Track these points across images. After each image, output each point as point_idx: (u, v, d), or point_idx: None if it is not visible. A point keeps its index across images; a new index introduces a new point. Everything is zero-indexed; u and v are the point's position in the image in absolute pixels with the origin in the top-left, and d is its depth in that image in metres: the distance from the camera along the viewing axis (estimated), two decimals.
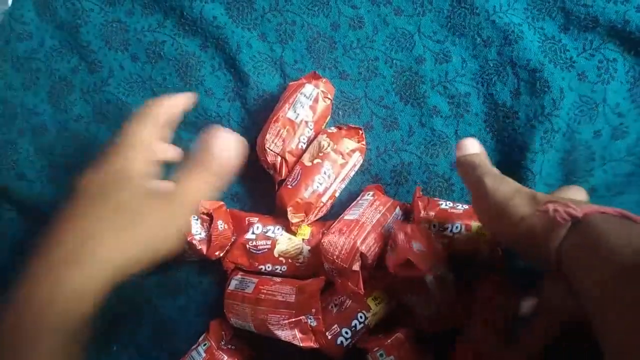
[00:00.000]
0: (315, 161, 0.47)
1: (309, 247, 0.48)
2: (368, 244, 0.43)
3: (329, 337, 0.44)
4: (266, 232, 0.48)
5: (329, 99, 0.49)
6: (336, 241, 0.44)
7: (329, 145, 0.47)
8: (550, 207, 0.32)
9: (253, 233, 0.48)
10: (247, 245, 0.48)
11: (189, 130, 0.53)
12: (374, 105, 0.52)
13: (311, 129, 0.49)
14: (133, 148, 0.38)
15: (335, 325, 0.44)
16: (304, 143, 0.49)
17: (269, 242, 0.48)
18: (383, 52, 0.52)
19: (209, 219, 0.48)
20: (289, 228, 0.48)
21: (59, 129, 0.54)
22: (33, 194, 0.53)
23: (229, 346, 0.48)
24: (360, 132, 0.49)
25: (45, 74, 0.55)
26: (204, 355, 0.47)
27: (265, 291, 0.46)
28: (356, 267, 0.42)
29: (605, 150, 0.48)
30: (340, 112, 0.52)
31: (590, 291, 0.28)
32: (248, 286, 0.47)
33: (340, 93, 0.52)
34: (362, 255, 0.43)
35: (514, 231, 0.33)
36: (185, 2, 0.53)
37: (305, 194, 0.46)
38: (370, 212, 0.46)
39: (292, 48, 0.53)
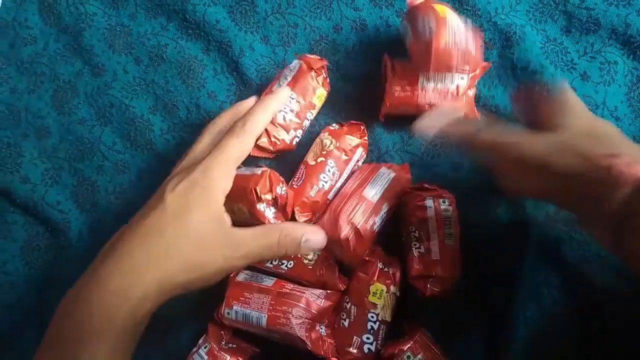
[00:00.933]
0: (319, 159, 0.48)
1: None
2: (349, 207, 0.44)
3: (355, 351, 0.45)
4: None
5: (312, 68, 0.49)
6: (322, 222, 0.45)
7: (331, 143, 0.48)
8: (614, 164, 0.30)
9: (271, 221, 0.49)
10: None
11: (193, 132, 0.54)
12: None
13: (294, 99, 0.49)
14: (218, 164, 0.39)
15: (355, 337, 0.45)
16: (287, 112, 0.49)
17: None
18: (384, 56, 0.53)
19: (270, 194, 0.46)
20: None
21: (62, 132, 0.55)
22: (37, 196, 0.53)
23: (230, 345, 0.48)
24: (362, 128, 0.50)
25: (49, 77, 0.56)
26: (205, 357, 0.47)
27: (290, 287, 0.46)
28: (344, 233, 0.43)
29: None
30: (342, 114, 0.53)
31: None
32: (264, 280, 0.47)
33: (343, 95, 0.53)
34: (348, 221, 0.44)
35: (559, 189, 0.32)
36: (189, 6, 0.54)
37: (311, 192, 0.47)
38: (350, 182, 0.48)
39: (294, 51, 0.54)
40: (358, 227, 0.44)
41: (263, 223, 0.45)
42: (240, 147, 0.41)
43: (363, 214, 0.44)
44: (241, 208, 0.45)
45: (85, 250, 0.53)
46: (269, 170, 0.45)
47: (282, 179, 0.46)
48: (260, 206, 0.45)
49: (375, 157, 0.52)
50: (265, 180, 0.44)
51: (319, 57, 0.50)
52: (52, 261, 0.53)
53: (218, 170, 0.39)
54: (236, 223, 0.47)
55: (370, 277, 0.46)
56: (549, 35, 0.51)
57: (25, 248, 0.54)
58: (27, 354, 0.51)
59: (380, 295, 0.46)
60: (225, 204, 0.41)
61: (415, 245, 0.46)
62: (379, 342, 0.46)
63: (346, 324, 0.46)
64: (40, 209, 0.53)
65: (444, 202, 0.46)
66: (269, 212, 0.46)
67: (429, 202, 0.46)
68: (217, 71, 0.55)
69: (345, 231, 0.43)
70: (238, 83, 0.54)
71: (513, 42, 0.51)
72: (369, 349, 0.45)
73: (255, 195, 0.44)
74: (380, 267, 0.47)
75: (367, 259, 0.47)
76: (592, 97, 0.50)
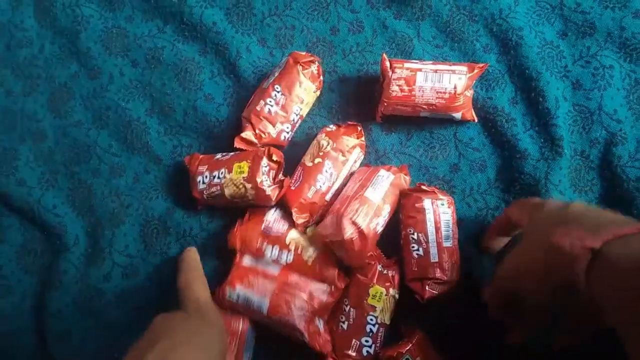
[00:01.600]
0: (316, 161, 0.48)
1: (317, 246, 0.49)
2: (352, 209, 0.45)
3: (354, 354, 0.46)
4: (284, 216, 0.50)
5: (298, 62, 0.50)
6: (325, 223, 0.46)
7: (328, 144, 0.49)
8: (567, 242, 0.33)
9: (272, 215, 0.50)
10: (262, 225, 0.49)
11: (189, 136, 0.55)
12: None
13: (279, 92, 0.50)
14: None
15: (354, 340, 0.46)
16: (272, 105, 0.50)
17: (285, 227, 0.49)
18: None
19: (276, 166, 0.49)
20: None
21: (58, 135, 0.55)
22: (33, 200, 0.54)
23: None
24: (359, 128, 0.50)
25: (45, 80, 0.56)
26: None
27: (296, 278, 0.47)
28: (348, 234, 0.44)
29: (603, 158, 0.50)
30: (340, 116, 0.54)
31: (618, 316, 0.31)
32: (270, 268, 0.48)
33: (340, 96, 0.54)
34: (351, 222, 0.44)
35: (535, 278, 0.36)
36: (185, 8, 0.55)
37: (309, 194, 0.48)
38: (350, 184, 0.48)
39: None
40: (362, 228, 0.44)
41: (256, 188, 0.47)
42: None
43: (366, 215, 0.45)
44: (242, 167, 0.47)
45: (82, 254, 0.53)
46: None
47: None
48: (264, 167, 0.47)
49: (373, 159, 0.52)
50: (276, 150, 0.49)
51: (310, 54, 0.51)
52: (48, 265, 0.54)
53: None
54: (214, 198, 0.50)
55: (370, 280, 0.47)
56: (546, 38, 0.52)
57: (21, 252, 0.54)
58: (24, 354, 0.51)
59: (380, 298, 0.46)
60: (224, 164, 0.49)
61: (413, 247, 0.46)
62: (377, 345, 0.46)
63: (345, 326, 0.46)
64: (36, 212, 0.54)
65: (442, 204, 0.47)
66: (266, 181, 0.47)
67: (427, 204, 0.46)
68: (214, 73, 0.55)
69: (349, 232, 0.44)
70: (235, 85, 0.55)
71: (510, 47, 0.51)
72: (367, 352, 0.46)
73: (266, 152, 0.48)
74: (380, 269, 0.47)
75: (367, 261, 0.47)
76: (584, 105, 0.50)
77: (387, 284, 0.47)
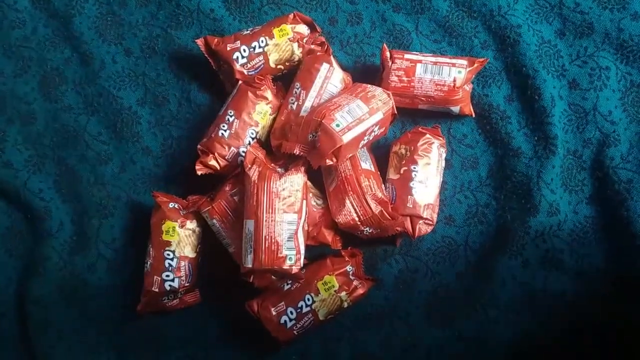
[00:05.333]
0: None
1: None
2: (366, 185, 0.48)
3: (274, 312, 0.48)
4: None
5: (250, 86, 0.51)
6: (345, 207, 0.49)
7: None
8: None
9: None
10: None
11: (181, 127, 0.56)
12: None
13: (232, 116, 0.51)
14: None
15: (282, 303, 0.49)
16: (225, 130, 0.51)
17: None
18: (380, 49, 0.55)
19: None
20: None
21: (48, 118, 0.57)
22: (19, 182, 0.55)
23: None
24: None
25: (37, 62, 0.58)
26: None
27: None
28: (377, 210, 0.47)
29: (595, 158, 0.52)
30: None
31: None
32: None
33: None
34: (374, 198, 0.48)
35: None
36: None
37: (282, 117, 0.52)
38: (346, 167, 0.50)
39: None
40: (383, 198, 0.48)
41: None
42: None
43: (378, 184, 0.49)
44: (284, 29, 0.51)
45: (66, 241, 0.55)
46: None
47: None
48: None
49: (374, 148, 0.54)
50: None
51: (260, 76, 0.52)
52: (33, 249, 0.55)
53: None
54: None
55: (334, 270, 0.49)
56: (544, 36, 0.54)
57: (6, 234, 0.56)
58: (5, 341, 0.53)
59: (329, 288, 0.49)
60: (261, 33, 0.51)
61: (413, 185, 0.49)
62: (298, 325, 0.48)
63: (285, 288, 0.49)
64: (22, 195, 0.56)
65: (443, 152, 0.51)
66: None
67: (436, 147, 0.50)
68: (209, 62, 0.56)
69: (377, 209, 0.47)
70: None
71: (508, 44, 0.53)
72: (285, 321, 0.48)
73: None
74: (349, 271, 0.49)
75: (344, 254, 0.50)
76: (579, 104, 0.53)
77: (346, 287, 0.49)
